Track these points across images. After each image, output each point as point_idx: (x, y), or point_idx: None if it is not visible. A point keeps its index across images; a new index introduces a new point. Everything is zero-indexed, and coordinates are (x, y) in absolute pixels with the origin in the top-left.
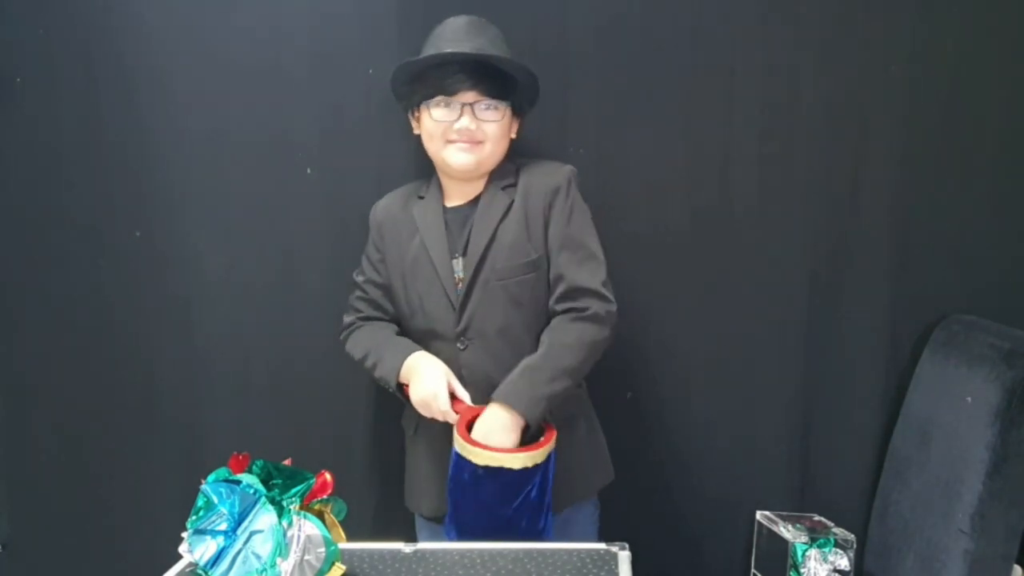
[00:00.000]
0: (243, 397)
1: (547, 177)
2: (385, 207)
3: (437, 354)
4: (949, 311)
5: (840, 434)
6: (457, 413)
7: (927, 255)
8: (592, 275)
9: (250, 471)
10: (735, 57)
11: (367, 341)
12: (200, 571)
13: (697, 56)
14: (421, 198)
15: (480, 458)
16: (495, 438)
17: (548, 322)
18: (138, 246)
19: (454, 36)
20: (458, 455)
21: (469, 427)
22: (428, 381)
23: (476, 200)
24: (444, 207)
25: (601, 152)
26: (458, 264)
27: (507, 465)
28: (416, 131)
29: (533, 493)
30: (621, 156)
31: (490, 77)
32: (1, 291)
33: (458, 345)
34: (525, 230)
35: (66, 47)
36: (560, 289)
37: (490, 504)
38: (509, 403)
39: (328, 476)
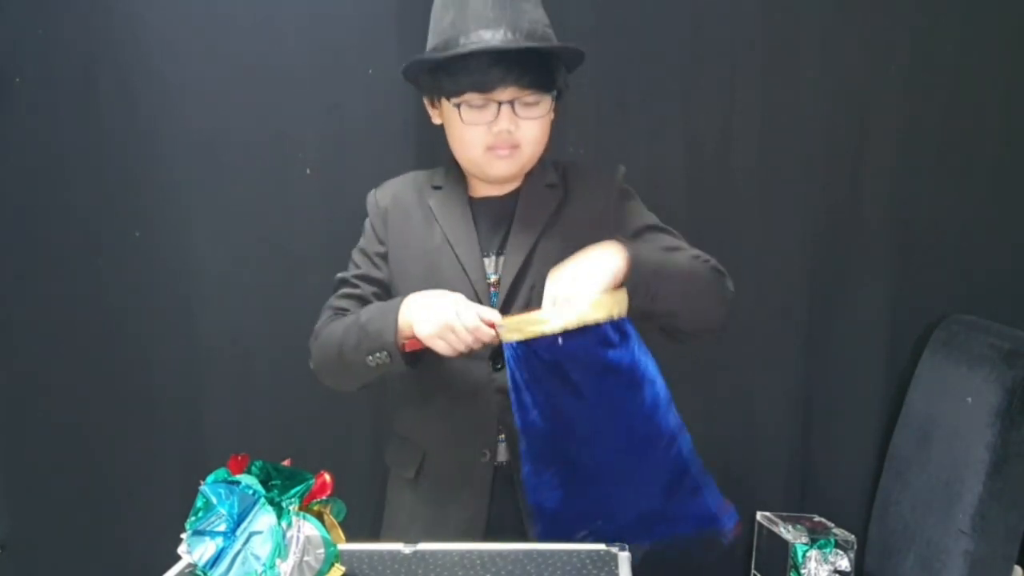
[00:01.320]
0: (243, 397)
1: (600, 182)
2: (392, 193)
3: (461, 375)
4: (949, 311)
5: (840, 434)
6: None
7: (927, 255)
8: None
9: (249, 472)
10: (735, 57)
11: (340, 326)
12: (199, 572)
13: (697, 56)
14: (437, 187)
15: (554, 322)
16: (583, 279)
17: None
18: (138, 246)
19: (482, 12)
20: (519, 350)
21: None
22: (440, 299)
23: (511, 195)
24: (469, 198)
25: (601, 151)
26: (490, 264)
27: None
28: (436, 120)
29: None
30: (621, 156)
31: (532, 65)
32: (1, 291)
33: (495, 364)
34: (576, 236)
35: (66, 47)
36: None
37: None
38: (611, 247)
39: (327, 477)
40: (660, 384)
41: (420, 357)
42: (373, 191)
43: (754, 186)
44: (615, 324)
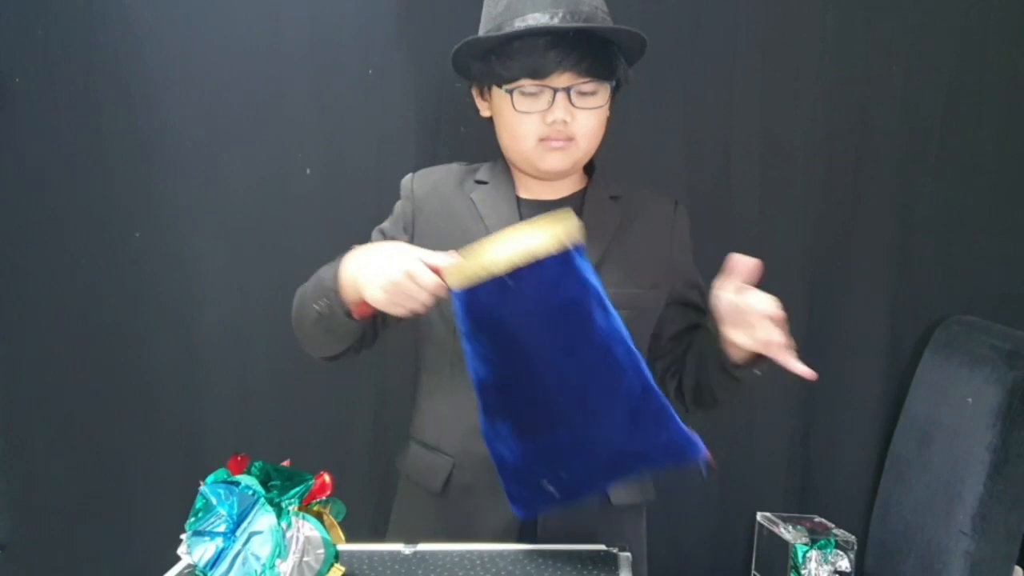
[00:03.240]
0: (243, 398)
1: (662, 208)
2: (432, 183)
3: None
4: (950, 312)
5: (841, 435)
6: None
7: (927, 255)
8: None
9: (249, 472)
10: (735, 57)
11: (308, 281)
12: (199, 572)
13: (697, 56)
14: (481, 182)
15: (499, 256)
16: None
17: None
18: (138, 246)
19: None
20: (464, 296)
21: None
22: (382, 256)
23: (566, 200)
24: (517, 198)
25: (600, 151)
26: None
27: (542, 250)
28: (485, 113)
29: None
30: (620, 156)
31: (590, 50)
32: (1, 291)
33: None
34: (643, 265)
35: (65, 47)
36: None
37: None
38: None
39: (327, 477)
40: (613, 312)
41: (365, 317)
42: (410, 176)
43: (754, 186)
44: (568, 254)
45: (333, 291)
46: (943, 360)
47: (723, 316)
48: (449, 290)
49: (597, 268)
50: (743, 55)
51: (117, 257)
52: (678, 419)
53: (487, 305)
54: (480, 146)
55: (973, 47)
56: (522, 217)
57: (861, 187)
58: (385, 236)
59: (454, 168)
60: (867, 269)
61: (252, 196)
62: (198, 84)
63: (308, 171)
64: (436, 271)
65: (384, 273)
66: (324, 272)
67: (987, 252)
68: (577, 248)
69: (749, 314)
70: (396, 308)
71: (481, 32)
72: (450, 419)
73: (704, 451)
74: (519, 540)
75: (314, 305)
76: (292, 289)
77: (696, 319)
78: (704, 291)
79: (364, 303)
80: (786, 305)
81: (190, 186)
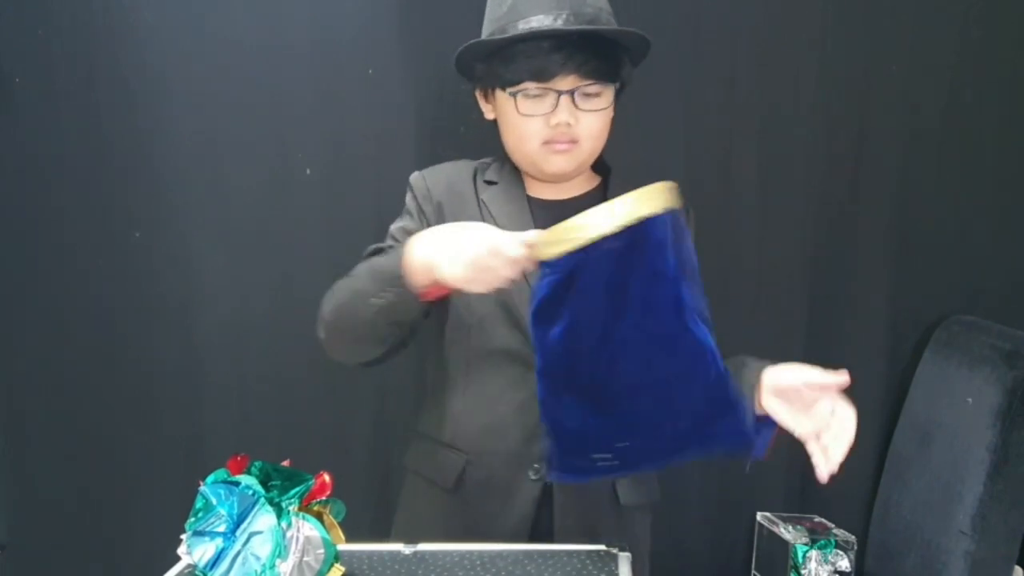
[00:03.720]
0: (243, 398)
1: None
2: (446, 183)
3: (509, 384)
4: (950, 312)
5: None
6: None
7: (927, 255)
8: None
9: (249, 472)
10: (735, 57)
11: (350, 275)
12: (199, 572)
13: (697, 56)
14: (490, 182)
15: (599, 220)
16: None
17: None
18: (138, 246)
19: None
20: (557, 265)
21: None
22: (463, 233)
23: (576, 200)
24: (528, 198)
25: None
26: None
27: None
28: (489, 115)
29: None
30: (620, 156)
31: (594, 52)
32: (1, 291)
33: None
34: None
35: (65, 47)
36: None
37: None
38: None
39: (327, 477)
40: (700, 290)
41: (437, 301)
42: (421, 174)
43: (754, 186)
44: (670, 217)
45: (398, 277)
46: (943, 360)
47: (776, 387)
48: (537, 262)
49: None
50: (743, 55)
51: (117, 257)
52: (744, 409)
53: (576, 273)
54: (480, 146)
55: (973, 47)
56: (534, 218)
57: (861, 187)
58: (409, 234)
59: (462, 167)
60: (867, 269)
61: (252, 196)
62: (198, 84)
63: (308, 171)
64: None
65: (467, 249)
66: (378, 264)
67: (987, 252)
68: (678, 213)
69: (814, 398)
70: (477, 285)
71: (484, 34)
72: (465, 415)
73: (761, 449)
74: (532, 537)
75: (373, 299)
76: (292, 289)
77: None
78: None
79: (437, 286)
80: (786, 305)
81: (190, 186)
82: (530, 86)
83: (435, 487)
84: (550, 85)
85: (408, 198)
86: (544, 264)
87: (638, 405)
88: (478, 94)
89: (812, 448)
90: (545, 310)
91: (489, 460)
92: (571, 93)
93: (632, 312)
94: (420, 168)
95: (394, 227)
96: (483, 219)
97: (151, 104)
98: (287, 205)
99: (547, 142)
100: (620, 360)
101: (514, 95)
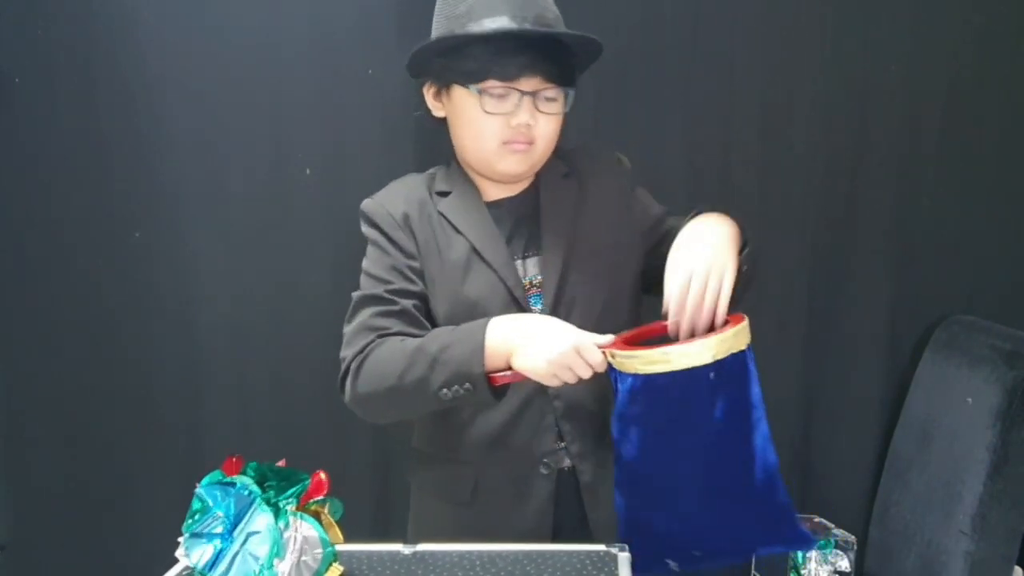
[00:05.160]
0: (243, 397)
1: (609, 166)
2: (403, 200)
3: (510, 398)
4: (950, 312)
5: (840, 435)
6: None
7: (927, 255)
8: None
9: (244, 473)
10: (735, 56)
11: (403, 349)
12: (198, 574)
13: (697, 56)
14: (442, 193)
15: (708, 350)
16: (718, 246)
17: None
18: (138, 246)
19: None
20: (640, 381)
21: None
22: (547, 330)
23: (525, 193)
24: (486, 202)
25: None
26: (522, 268)
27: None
28: (439, 113)
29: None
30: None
31: (555, 56)
32: (1, 291)
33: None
34: (611, 228)
35: (65, 47)
36: None
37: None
38: (712, 216)
39: (323, 476)
40: (763, 414)
41: (506, 390)
42: (376, 203)
43: (754, 186)
44: (747, 353)
45: (480, 376)
46: (943, 360)
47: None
48: (610, 368)
49: (571, 247)
50: (743, 55)
51: (117, 257)
52: (799, 522)
53: (662, 391)
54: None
55: (973, 47)
56: (496, 219)
57: (861, 187)
58: (395, 268)
59: (410, 182)
60: (867, 269)
61: (252, 196)
62: (198, 84)
63: (308, 171)
64: (603, 347)
65: (551, 347)
66: (446, 355)
67: (987, 252)
68: (750, 348)
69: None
70: (553, 380)
71: (436, 33)
72: (468, 426)
73: (814, 544)
74: (553, 531)
75: (443, 390)
76: (292, 289)
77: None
78: (666, 212)
79: (508, 373)
80: (786, 305)
81: (190, 186)
82: (495, 84)
83: (448, 503)
84: (514, 85)
85: (371, 231)
86: (623, 375)
87: (707, 518)
88: (427, 90)
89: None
90: (628, 428)
91: (499, 467)
92: (533, 95)
93: (708, 436)
94: (419, 169)
95: (374, 267)
96: (445, 231)
97: (151, 104)
98: (287, 205)
99: (506, 142)
100: (694, 478)
101: (480, 92)
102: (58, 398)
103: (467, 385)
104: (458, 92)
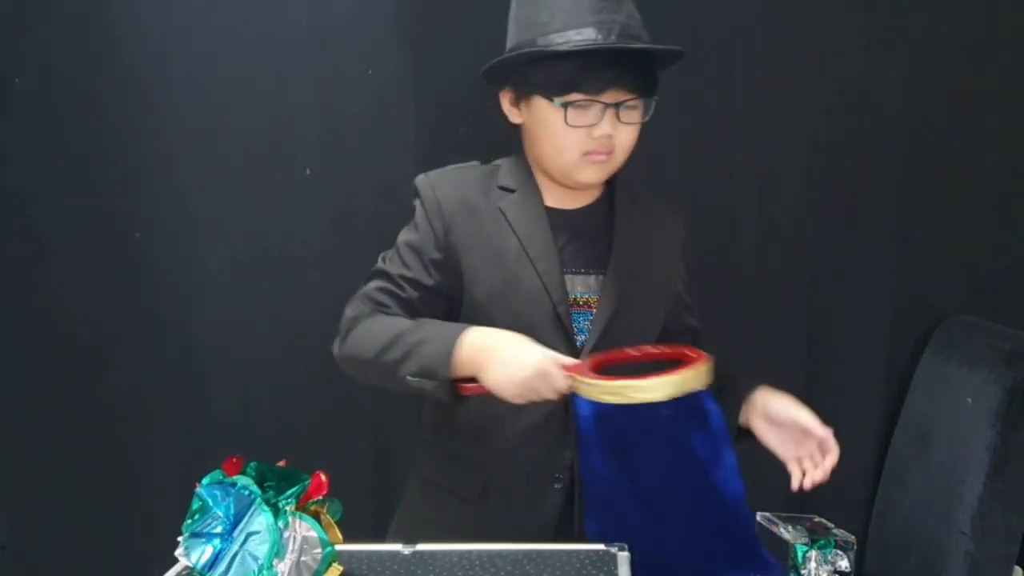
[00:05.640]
0: (243, 397)
1: (670, 214)
2: (458, 196)
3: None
4: (949, 312)
5: (840, 435)
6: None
7: (927, 255)
8: None
9: (244, 473)
10: (735, 56)
11: (387, 329)
12: (197, 574)
13: (697, 55)
14: (505, 189)
15: (665, 387)
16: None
17: None
18: (138, 246)
19: (595, 6)
20: (604, 409)
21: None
22: (519, 355)
23: (586, 209)
24: (545, 208)
25: None
26: (571, 283)
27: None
28: (516, 120)
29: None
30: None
31: (639, 68)
32: (1, 291)
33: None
34: (667, 270)
35: (65, 47)
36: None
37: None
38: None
39: (323, 477)
40: (732, 449)
41: (467, 397)
42: (429, 183)
43: (754, 187)
44: (704, 395)
45: (444, 378)
46: (943, 360)
47: (768, 415)
48: (574, 394)
49: (640, 270)
50: (743, 56)
51: (117, 257)
52: (763, 550)
53: (624, 420)
54: (480, 146)
55: (973, 47)
56: (552, 228)
57: (861, 187)
58: (419, 257)
59: (471, 173)
60: (867, 269)
61: (252, 196)
62: (198, 84)
63: (308, 171)
64: (568, 370)
65: (518, 368)
66: (422, 348)
67: (987, 252)
68: (709, 390)
69: (805, 437)
70: (519, 398)
71: (515, 39)
72: (489, 426)
73: (778, 572)
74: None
75: (409, 376)
76: (292, 288)
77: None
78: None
79: (475, 385)
80: (786, 305)
81: (190, 186)
82: (579, 97)
83: (455, 496)
84: (598, 98)
85: (417, 207)
86: (584, 401)
87: (672, 541)
88: (505, 97)
89: (792, 468)
90: (591, 452)
91: (514, 471)
92: (616, 107)
93: (673, 463)
94: (420, 169)
95: (404, 245)
96: (499, 228)
97: (151, 105)
98: (287, 205)
99: (586, 153)
100: (659, 502)
101: (564, 106)
102: (58, 398)
103: (432, 383)
104: (539, 102)
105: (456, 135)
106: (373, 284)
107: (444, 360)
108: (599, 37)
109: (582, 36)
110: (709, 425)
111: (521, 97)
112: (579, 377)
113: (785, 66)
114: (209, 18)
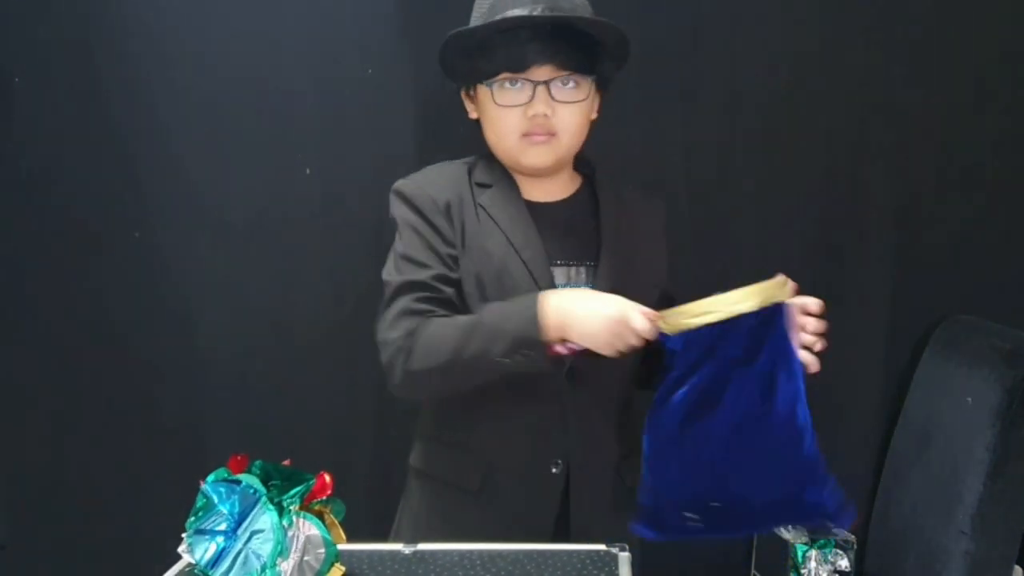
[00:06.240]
0: (243, 397)
1: (651, 198)
2: (442, 189)
3: (525, 390)
4: (949, 311)
5: (840, 434)
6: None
7: (927, 255)
8: None
9: (249, 472)
10: (735, 55)
11: (454, 327)
12: (200, 571)
13: (697, 54)
14: (482, 185)
15: (716, 308)
16: None
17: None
18: (138, 246)
19: None
20: (678, 341)
21: None
22: (605, 303)
23: (567, 201)
24: (525, 201)
25: (600, 151)
26: (559, 275)
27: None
28: (473, 114)
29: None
30: (620, 156)
31: (570, 43)
32: (0, 291)
33: (566, 381)
34: (656, 256)
35: (65, 47)
36: None
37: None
38: None
39: (327, 477)
40: (800, 373)
41: (563, 359)
42: (415, 184)
43: (753, 186)
44: (779, 307)
45: (536, 342)
46: (943, 360)
47: None
48: (660, 334)
49: (624, 264)
50: (743, 55)
51: (117, 257)
52: (836, 487)
53: (694, 350)
54: (480, 146)
55: (973, 47)
56: (534, 221)
57: (861, 187)
58: (436, 254)
59: (449, 168)
60: (867, 269)
61: (252, 196)
62: (198, 84)
63: (308, 171)
64: (649, 316)
65: (599, 319)
66: (502, 326)
67: (987, 252)
68: (783, 303)
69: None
70: (607, 347)
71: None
72: (485, 417)
73: (852, 520)
74: (555, 537)
75: (502, 359)
76: (292, 288)
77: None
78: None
79: (562, 344)
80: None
81: (190, 186)
82: (507, 76)
83: (455, 490)
84: (526, 75)
85: (406, 214)
86: (667, 338)
87: (735, 472)
88: (463, 94)
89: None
90: (674, 378)
91: (512, 460)
92: (547, 84)
93: (746, 388)
94: (420, 168)
95: (409, 251)
96: (483, 221)
97: (150, 104)
98: (287, 205)
99: (525, 134)
100: (725, 428)
101: (490, 86)
102: (58, 397)
103: (527, 352)
104: (480, 91)
105: (456, 135)
106: (406, 298)
107: (534, 330)
108: (523, 13)
109: (505, 15)
110: (790, 338)
111: (469, 89)
112: (666, 312)
113: (785, 65)
114: (209, 18)
